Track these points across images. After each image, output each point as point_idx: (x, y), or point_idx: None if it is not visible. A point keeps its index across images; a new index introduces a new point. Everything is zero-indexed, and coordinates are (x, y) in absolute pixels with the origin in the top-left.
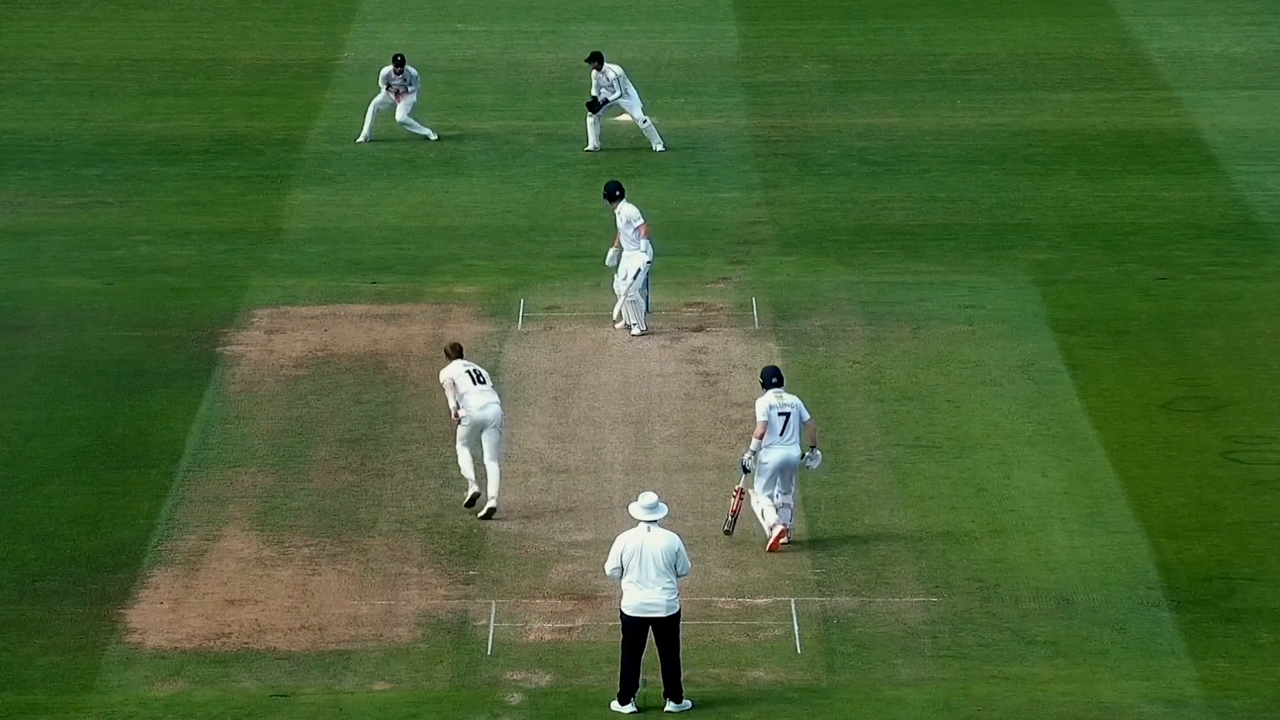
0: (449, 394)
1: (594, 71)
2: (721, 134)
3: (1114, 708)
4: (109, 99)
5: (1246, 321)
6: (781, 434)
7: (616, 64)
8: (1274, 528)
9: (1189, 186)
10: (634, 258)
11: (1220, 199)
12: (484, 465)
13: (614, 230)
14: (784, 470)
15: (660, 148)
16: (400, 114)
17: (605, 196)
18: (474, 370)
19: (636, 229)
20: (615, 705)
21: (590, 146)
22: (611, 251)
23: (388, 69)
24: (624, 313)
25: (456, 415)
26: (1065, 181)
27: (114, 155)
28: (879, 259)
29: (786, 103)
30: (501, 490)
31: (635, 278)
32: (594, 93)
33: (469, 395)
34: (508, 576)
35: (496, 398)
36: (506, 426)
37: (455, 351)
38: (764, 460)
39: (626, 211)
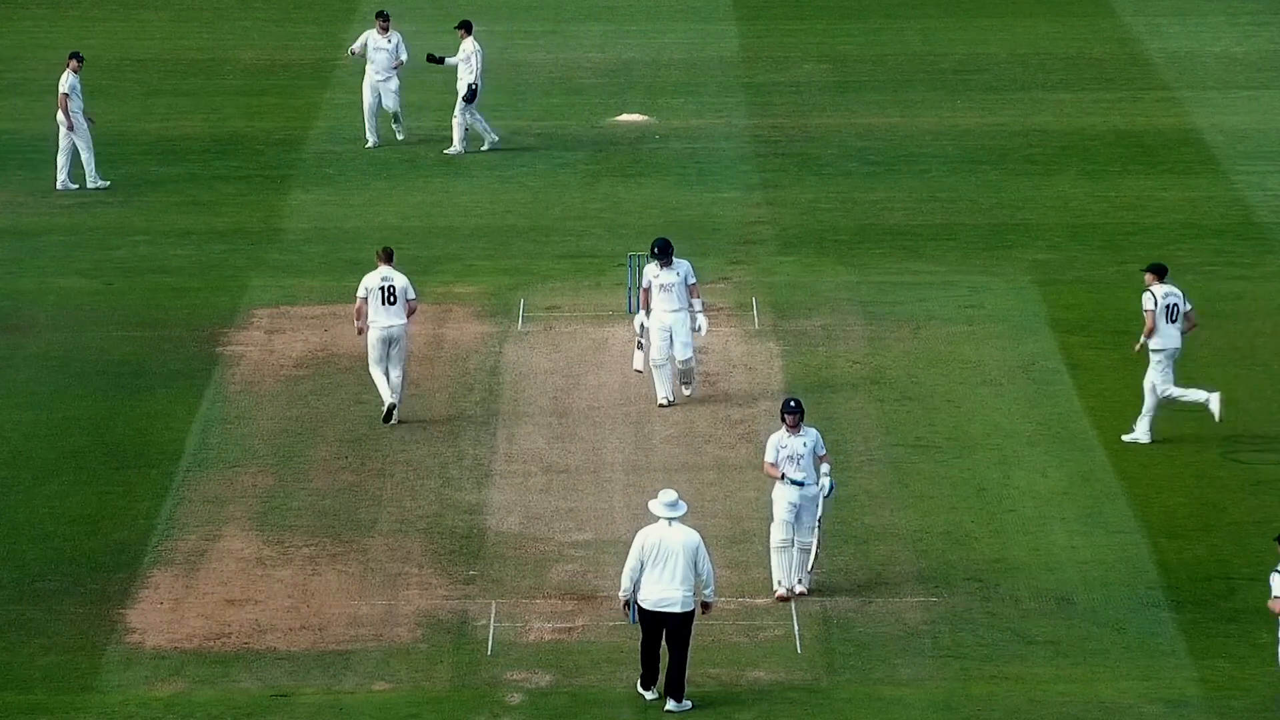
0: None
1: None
2: (721, 134)
3: (1114, 708)
4: (109, 99)
5: (1246, 321)
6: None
7: (478, 46)
8: (1274, 528)
9: (1189, 186)
10: (683, 317)
11: (1220, 199)
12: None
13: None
14: (803, 507)
15: (455, 151)
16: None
17: (663, 254)
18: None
19: (691, 286)
20: (639, 687)
21: (489, 142)
22: (641, 315)
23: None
24: (665, 379)
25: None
26: (1065, 181)
27: (114, 155)
28: (879, 259)
29: (786, 103)
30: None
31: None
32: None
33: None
34: (508, 576)
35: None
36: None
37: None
38: (776, 499)
39: (685, 267)
